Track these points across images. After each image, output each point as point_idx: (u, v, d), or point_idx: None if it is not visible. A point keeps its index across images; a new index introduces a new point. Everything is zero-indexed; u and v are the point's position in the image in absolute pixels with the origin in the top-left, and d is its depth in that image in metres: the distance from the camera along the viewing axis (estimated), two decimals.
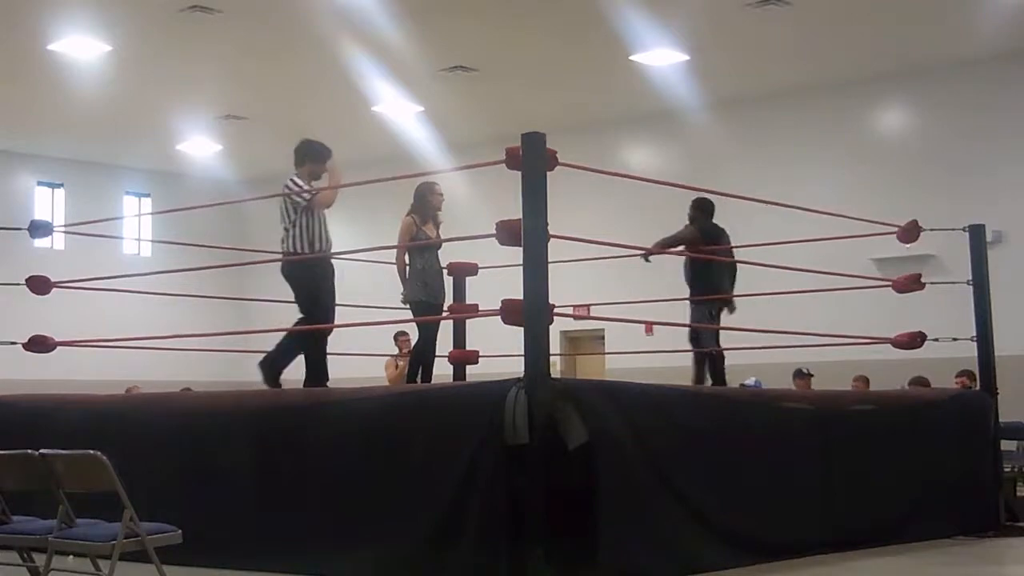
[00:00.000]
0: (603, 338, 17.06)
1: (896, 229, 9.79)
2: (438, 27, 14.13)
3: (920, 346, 9.15)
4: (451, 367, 9.88)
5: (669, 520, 6.92)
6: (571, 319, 9.35)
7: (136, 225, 21.62)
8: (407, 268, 9.32)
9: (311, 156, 8.61)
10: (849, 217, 10.26)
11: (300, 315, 8.57)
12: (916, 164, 15.65)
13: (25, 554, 6.31)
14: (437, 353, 9.44)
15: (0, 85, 16.37)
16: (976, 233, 9.62)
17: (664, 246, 10.31)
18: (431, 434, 6.67)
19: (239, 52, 15.06)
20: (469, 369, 9.89)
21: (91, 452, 5.82)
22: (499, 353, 8.17)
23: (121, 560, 5.77)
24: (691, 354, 10.42)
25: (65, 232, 17.45)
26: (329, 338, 8.66)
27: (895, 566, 7.77)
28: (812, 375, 13.07)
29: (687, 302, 10.37)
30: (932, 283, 9.63)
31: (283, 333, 8.71)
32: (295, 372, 8.55)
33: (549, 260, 6.37)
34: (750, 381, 12.58)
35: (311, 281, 8.43)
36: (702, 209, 10.46)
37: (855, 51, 15.01)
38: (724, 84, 16.13)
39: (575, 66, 15.52)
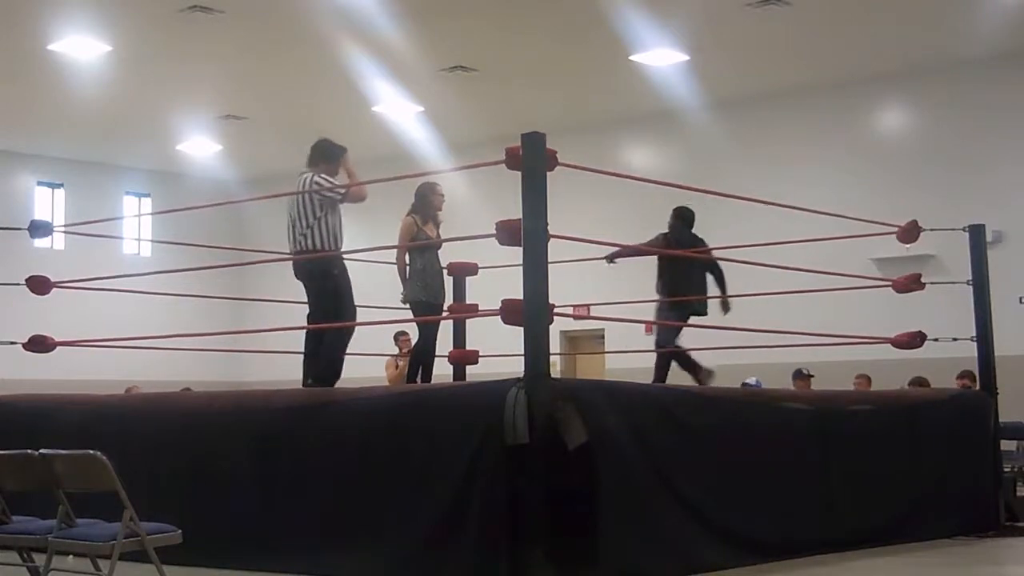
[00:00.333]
0: (603, 338, 17.06)
1: (896, 229, 9.79)
2: (438, 27, 14.13)
3: (920, 346, 9.15)
4: (451, 367, 9.88)
5: (669, 520, 6.92)
6: (571, 319, 9.35)
7: (136, 225, 21.62)
8: (407, 268, 9.32)
9: (326, 156, 8.55)
10: (849, 217, 10.26)
11: (319, 314, 8.35)
12: (916, 164, 15.65)
13: (25, 554, 6.30)
14: (437, 353, 9.44)
15: (0, 85, 16.37)
16: (976, 233, 9.62)
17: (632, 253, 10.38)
18: (431, 434, 6.67)
19: (239, 52, 15.06)
20: (469, 369, 9.89)
21: (91, 452, 5.82)
22: (499, 353, 8.17)
23: (121, 560, 5.76)
24: (658, 356, 10.39)
25: (65, 232, 17.45)
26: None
27: (895, 566, 7.77)
28: (812, 375, 13.07)
29: (656, 306, 10.37)
30: (932, 283, 9.63)
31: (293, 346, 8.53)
32: (297, 372, 8.53)
33: (549, 260, 6.37)
34: (751, 380, 12.58)
35: (340, 278, 8.36)
36: (682, 218, 10.48)
37: (855, 51, 15.01)
38: (724, 84, 16.13)
39: (575, 66, 15.52)
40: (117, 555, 5.71)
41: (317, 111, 16.90)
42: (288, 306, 9.21)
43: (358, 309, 8.54)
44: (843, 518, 8.13)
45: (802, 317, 11.68)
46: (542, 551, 6.05)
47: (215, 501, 7.37)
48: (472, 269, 10.38)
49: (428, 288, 9.23)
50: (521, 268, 6.36)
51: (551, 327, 6.40)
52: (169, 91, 16.90)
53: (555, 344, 6.82)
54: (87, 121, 18.32)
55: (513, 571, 6.09)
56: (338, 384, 8.21)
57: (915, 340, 9.12)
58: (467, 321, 10.00)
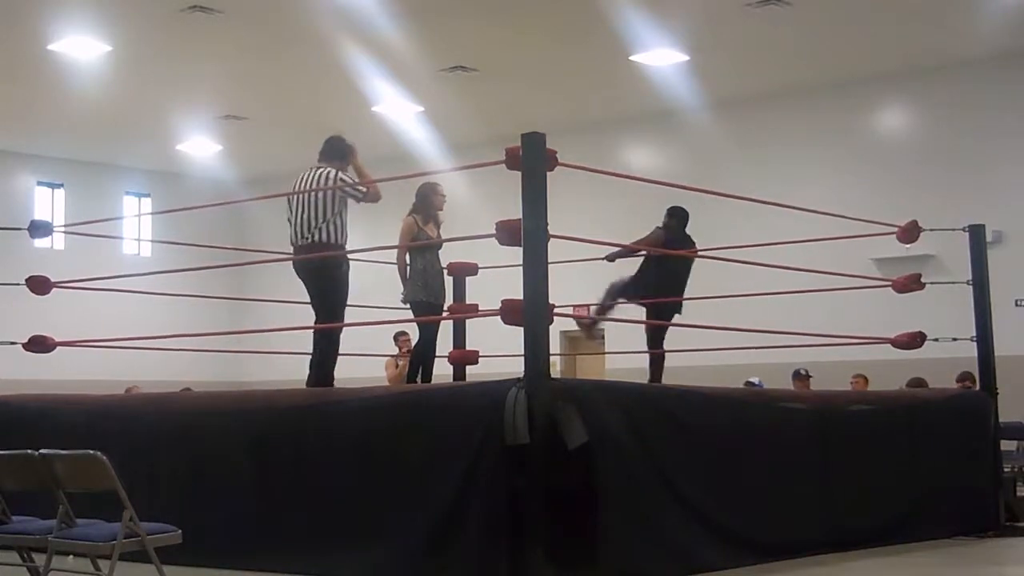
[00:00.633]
0: (603, 338, 17.05)
1: (896, 229, 9.79)
2: (438, 27, 14.13)
3: (920, 346, 9.15)
4: (451, 367, 9.88)
5: (669, 520, 6.92)
6: (571, 319, 9.35)
7: (136, 225, 21.62)
8: (408, 268, 9.32)
9: (340, 152, 8.53)
10: (849, 217, 10.26)
11: (319, 312, 8.31)
12: (916, 164, 15.65)
13: (25, 554, 6.30)
14: (437, 353, 9.44)
15: (0, 85, 16.37)
16: (976, 233, 9.62)
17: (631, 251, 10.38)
18: (431, 434, 6.67)
19: (239, 52, 15.06)
20: (469, 369, 9.88)
21: (91, 452, 5.82)
22: (499, 353, 8.17)
23: (121, 560, 5.76)
24: (654, 356, 10.38)
25: (65, 232, 17.44)
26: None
27: (894, 566, 7.77)
28: (811, 376, 13.07)
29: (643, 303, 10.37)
30: (932, 283, 9.63)
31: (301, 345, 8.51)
32: (296, 372, 8.53)
33: (549, 260, 6.37)
34: (754, 380, 12.60)
35: (344, 277, 8.35)
36: (676, 217, 10.47)
37: (855, 51, 15.01)
38: (724, 84, 16.13)
39: (575, 66, 15.52)
40: (117, 555, 5.71)
41: (317, 111, 16.89)
42: (288, 306, 9.21)
43: (358, 309, 8.52)
44: (843, 518, 8.13)
45: (802, 317, 11.69)
46: (542, 551, 6.05)
47: (215, 501, 7.37)
48: (472, 269, 10.38)
49: (428, 288, 9.23)
50: (521, 268, 6.36)
51: (551, 327, 6.41)
52: (169, 91, 16.90)
53: (555, 344, 6.82)
54: (87, 121, 18.32)
55: (513, 571, 6.09)
56: (338, 384, 8.21)
57: (915, 340, 9.12)
58: (467, 321, 10.00)
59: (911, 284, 9.43)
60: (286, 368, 10.12)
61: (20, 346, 9.14)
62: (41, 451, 5.98)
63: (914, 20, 13.93)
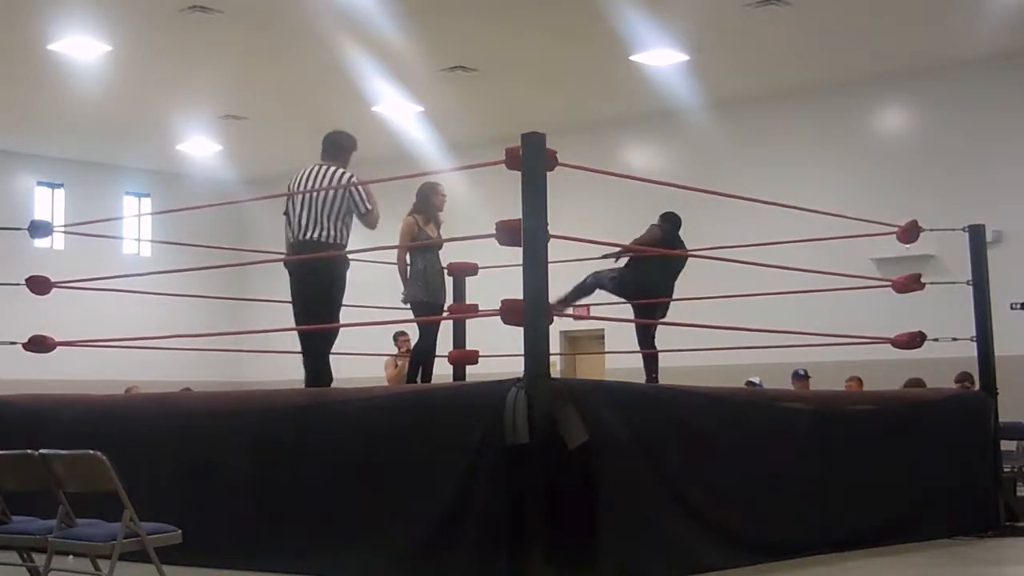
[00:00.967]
0: (603, 338, 17.05)
1: (896, 229, 9.79)
2: (438, 27, 14.13)
3: (920, 346, 9.15)
4: (451, 367, 9.87)
5: (669, 520, 6.92)
6: (571, 319, 9.35)
7: (136, 225, 21.62)
8: (408, 268, 9.32)
9: (343, 147, 8.48)
10: (849, 217, 10.26)
11: (310, 312, 8.23)
12: (916, 164, 15.66)
13: (25, 554, 6.30)
14: (437, 353, 9.44)
15: (0, 85, 16.37)
16: (976, 233, 9.62)
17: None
18: (431, 434, 6.67)
19: (239, 52, 15.06)
20: (469, 369, 9.87)
21: (91, 452, 5.82)
22: (499, 353, 8.17)
23: (121, 560, 5.76)
24: (651, 356, 10.39)
25: (65, 232, 17.45)
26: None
27: (894, 566, 7.77)
28: (810, 376, 13.07)
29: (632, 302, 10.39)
30: (932, 283, 9.63)
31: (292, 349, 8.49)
32: (296, 372, 8.52)
33: (549, 260, 6.37)
34: (755, 380, 12.60)
35: (344, 277, 8.32)
36: (670, 221, 10.51)
37: (855, 51, 15.01)
38: (724, 84, 16.13)
39: (575, 66, 15.53)
40: (117, 555, 5.71)
41: (317, 111, 16.88)
42: (287, 306, 9.19)
43: (357, 309, 8.51)
44: (843, 518, 8.12)
45: (802, 317, 11.67)
46: (542, 551, 6.05)
47: (215, 501, 7.36)
48: (472, 269, 10.38)
49: (429, 288, 9.23)
50: (521, 268, 6.36)
51: (551, 327, 6.41)
52: (169, 91, 16.90)
53: (555, 344, 6.82)
54: (87, 121, 18.32)
55: (513, 571, 6.09)
56: (338, 384, 8.21)
57: (915, 340, 9.12)
58: (467, 321, 10.00)
59: (911, 284, 9.43)
60: (286, 368, 10.11)
61: (20, 346, 9.13)
62: (41, 451, 5.98)
63: (914, 20, 13.93)
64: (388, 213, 9.45)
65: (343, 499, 6.93)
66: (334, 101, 16.68)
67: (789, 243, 11.38)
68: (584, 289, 10.41)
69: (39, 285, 9.37)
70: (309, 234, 8.18)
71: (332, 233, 8.16)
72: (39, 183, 20.80)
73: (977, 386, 9.96)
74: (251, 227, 19.29)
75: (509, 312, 6.35)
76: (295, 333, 8.50)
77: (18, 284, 9.39)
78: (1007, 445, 11.08)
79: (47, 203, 20.78)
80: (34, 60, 15.15)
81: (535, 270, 6.33)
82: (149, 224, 21.35)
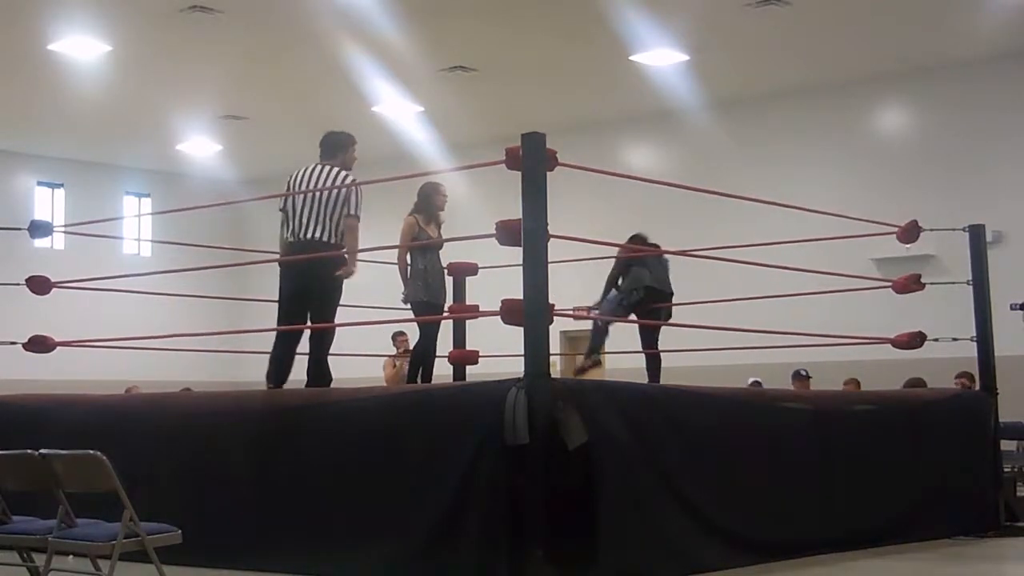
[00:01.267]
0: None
1: (896, 229, 9.79)
2: (438, 27, 14.13)
3: (920, 346, 9.16)
4: (451, 367, 9.88)
5: (669, 520, 6.92)
6: (571, 319, 9.34)
7: (136, 225, 21.61)
8: (408, 268, 9.31)
9: (342, 146, 8.46)
10: (849, 217, 10.26)
11: (316, 310, 8.20)
12: (916, 164, 15.65)
13: (25, 554, 6.31)
14: (437, 353, 9.44)
15: (0, 85, 16.37)
16: (976, 233, 9.62)
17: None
18: (431, 434, 6.67)
19: (239, 52, 15.06)
20: (469, 369, 9.88)
21: (91, 452, 5.82)
22: (499, 353, 8.17)
23: (121, 560, 5.77)
24: (649, 356, 10.41)
25: (65, 232, 17.44)
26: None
27: (895, 566, 7.77)
28: (810, 377, 13.07)
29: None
30: (932, 283, 9.63)
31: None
32: (296, 372, 8.52)
33: (549, 260, 6.37)
34: (758, 380, 12.60)
35: (340, 279, 8.26)
36: (641, 241, 10.57)
37: (855, 51, 15.00)
38: (724, 84, 16.13)
39: (575, 66, 15.52)
40: (117, 555, 5.71)
41: (317, 111, 16.86)
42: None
43: (356, 309, 8.50)
44: (843, 518, 8.13)
45: (802, 317, 11.68)
46: (542, 551, 6.05)
47: (215, 501, 7.37)
48: (472, 269, 10.39)
49: (429, 288, 9.23)
50: (521, 268, 6.36)
51: (551, 327, 6.41)
52: (169, 91, 16.89)
53: (555, 344, 6.81)
54: (87, 121, 18.31)
55: (513, 571, 6.09)
56: (338, 384, 8.21)
57: (915, 340, 9.12)
58: (467, 321, 10.00)
59: (911, 284, 9.43)
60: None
61: (20, 346, 9.13)
62: (41, 451, 5.98)
63: (914, 20, 13.92)
64: (389, 213, 9.47)
65: (343, 499, 6.93)
66: (334, 101, 16.67)
67: (789, 243, 11.38)
68: (600, 332, 10.44)
69: (39, 285, 9.37)
70: (311, 233, 8.16)
71: (333, 233, 8.16)
72: (39, 183, 20.78)
73: (977, 386, 9.97)
74: (251, 227, 19.26)
75: (509, 312, 6.35)
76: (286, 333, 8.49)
77: (18, 284, 9.39)
78: (1007, 445, 11.09)
79: (47, 203, 20.76)
80: (34, 60, 15.14)
81: (535, 270, 6.33)
82: (149, 224, 21.33)
